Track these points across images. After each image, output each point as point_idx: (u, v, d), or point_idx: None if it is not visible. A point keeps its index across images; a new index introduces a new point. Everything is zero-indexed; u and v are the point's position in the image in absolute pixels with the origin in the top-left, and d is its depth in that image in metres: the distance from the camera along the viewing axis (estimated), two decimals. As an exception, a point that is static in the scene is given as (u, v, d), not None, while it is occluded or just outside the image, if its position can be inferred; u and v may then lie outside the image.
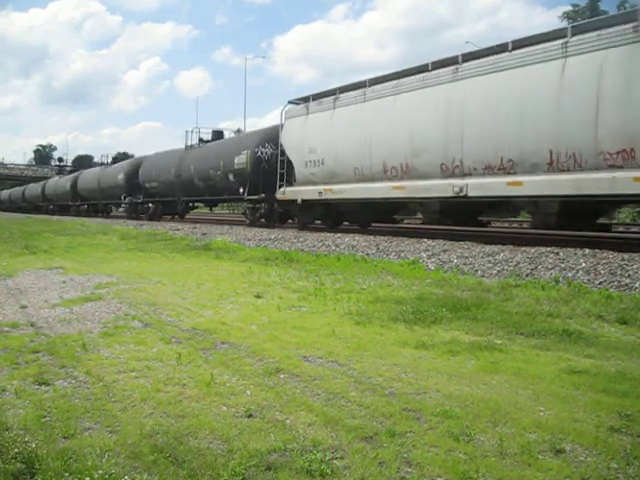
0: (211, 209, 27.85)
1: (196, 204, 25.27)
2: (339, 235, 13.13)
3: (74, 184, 36.44)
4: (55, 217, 34.12)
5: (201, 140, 22.98)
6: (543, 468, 2.38)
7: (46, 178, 53.63)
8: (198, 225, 19.95)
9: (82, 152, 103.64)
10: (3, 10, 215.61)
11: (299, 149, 14.95)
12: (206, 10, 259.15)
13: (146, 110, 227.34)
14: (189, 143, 23.25)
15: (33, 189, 49.53)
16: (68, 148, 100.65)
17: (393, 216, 15.18)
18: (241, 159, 17.70)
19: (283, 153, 15.83)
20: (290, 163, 15.52)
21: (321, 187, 14.10)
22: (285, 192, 15.64)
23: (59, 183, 41.15)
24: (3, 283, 7.61)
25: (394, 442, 2.62)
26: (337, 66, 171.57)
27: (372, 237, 12.19)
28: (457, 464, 2.40)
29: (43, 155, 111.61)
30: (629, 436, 2.70)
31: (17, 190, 57.41)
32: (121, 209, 34.47)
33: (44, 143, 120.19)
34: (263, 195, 16.98)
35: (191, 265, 9.72)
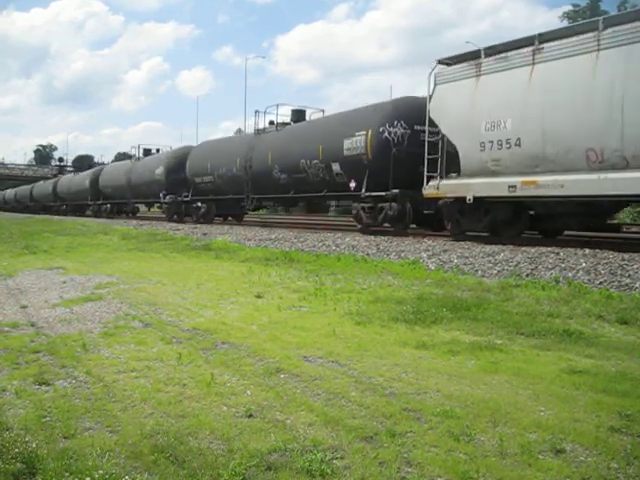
0: (287, 210, 22.16)
1: (264, 203, 20.38)
2: (339, 235, 13.13)
3: (95, 180, 32.17)
4: (56, 217, 33.43)
5: (272, 123, 18.40)
6: (543, 468, 2.38)
7: (47, 178, 52.44)
8: (199, 225, 19.95)
9: (82, 152, 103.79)
10: (5, 10, 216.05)
11: (467, 125, 10.72)
12: (208, 10, 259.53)
13: (147, 110, 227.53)
14: (260, 126, 18.41)
15: (43, 188, 45.46)
16: (68, 148, 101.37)
17: (608, 220, 11.50)
18: (356, 143, 13.34)
19: (435, 132, 11.62)
20: (448, 146, 11.39)
21: (515, 179, 9.95)
22: (440, 187, 11.31)
23: (75, 180, 36.92)
24: (3, 283, 7.61)
25: (394, 442, 2.62)
26: (338, 66, 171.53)
27: (372, 237, 12.20)
28: (457, 464, 2.41)
29: (43, 155, 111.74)
30: (629, 436, 2.70)
31: (23, 189, 53.53)
32: (155, 209, 30.24)
33: (44, 143, 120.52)
34: (396, 191, 12.53)
35: (191, 265, 9.72)
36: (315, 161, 14.84)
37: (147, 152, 29.46)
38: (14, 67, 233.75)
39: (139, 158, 29.02)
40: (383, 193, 12.81)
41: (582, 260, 7.72)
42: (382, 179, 12.65)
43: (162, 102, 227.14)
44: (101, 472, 2.28)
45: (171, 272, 8.63)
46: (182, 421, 2.88)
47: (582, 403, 3.12)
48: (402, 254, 9.73)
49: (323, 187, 15.15)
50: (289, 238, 13.14)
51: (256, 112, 18.39)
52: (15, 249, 12.75)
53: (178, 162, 23.13)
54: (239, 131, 50.29)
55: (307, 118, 18.00)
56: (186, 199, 22.45)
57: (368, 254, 10.13)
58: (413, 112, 12.76)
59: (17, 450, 2.44)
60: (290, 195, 16.79)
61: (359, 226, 14.34)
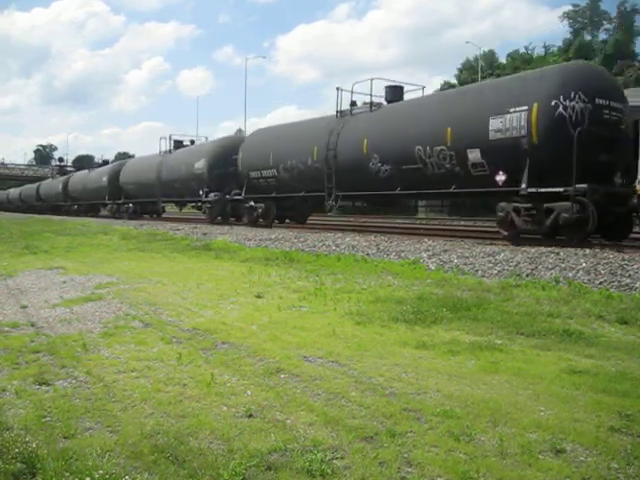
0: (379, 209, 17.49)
1: (352, 202, 16.66)
2: (339, 235, 13.13)
3: (114, 177, 28.79)
4: (57, 217, 32.86)
5: (354, 104, 15.30)
6: (543, 468, 2.38)
7: (47, 178, 51.99)
8: (198, 225, 19.93)
9: (82, 152, 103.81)
10: (6, 9, 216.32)
11: None
12: (209, 10, 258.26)
13: (147, 110, 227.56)
14: (342, 107, 15.22)
15: (51, 186, 42.29)
16: (68, 148, 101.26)
17: None
18: (511, 122, 10.15)
19: (619, 108, 9.54)
20: None
21: None
22: None
23: (90, 177, 33.46)
24: (4, 283, 7.61)
25: (394, 442, 2.62)
26: (339, 66, 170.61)
27: (372, 237, 12.21)
28: (457, 464, 2.41)
29: (43, 155, 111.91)
30: (629, 436, 2.70)
31: (29, 188, 50.22)
32: (187, 209, 26.91)
33: (44, 143, 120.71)
34: (583, 187, 9.19)
35: (192, 265, 9.72)
36: (440, 148, 11.46)
37: (178, 144, 25.27)
38: (14, 67, 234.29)
39: (170, 151, 24.90)
40: (561, 189, 9.43)
41: (582, 260, 7.72)
42: (553, 170, 9.65)
43: (163, 102, 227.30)
44: (101, 472, 2.29)
45: (171, 272, 8.63)
46: (182, 421, 2.88)
47: (582, 403, 3.12)
48: (402, 254, 9.73)
49: (450, 182, 11.64)
50: (289, 238, 13.14)
51: (338, 89, 14.76)
52: (15, 249, 12.75)
53: (225, 154, 19.73)
54: (239, 131, 50.22)
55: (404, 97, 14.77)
56: (237, 197, 18.77)
57: (368, 254, 10.13)
58: (592, 81, 9.89)
59: (17, 450, 2.44)
60: (397, 192, 13.11)
61: (505, 233, 10.71)
